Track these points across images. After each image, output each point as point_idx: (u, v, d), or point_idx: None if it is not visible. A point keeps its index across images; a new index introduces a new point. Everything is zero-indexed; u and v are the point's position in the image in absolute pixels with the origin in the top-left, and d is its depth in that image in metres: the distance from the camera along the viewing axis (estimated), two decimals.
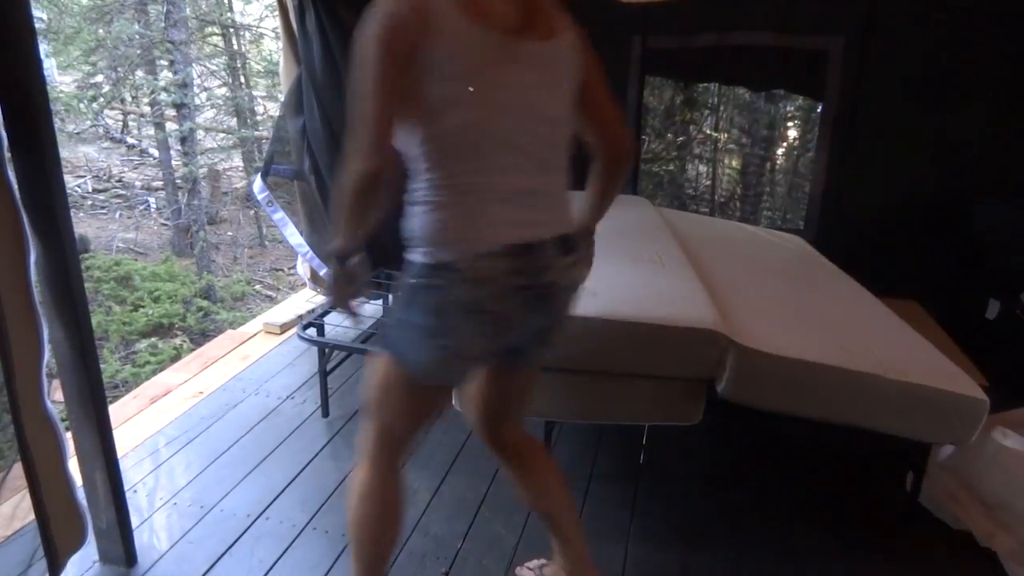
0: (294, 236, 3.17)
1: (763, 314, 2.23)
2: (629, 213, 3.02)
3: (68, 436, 1.67)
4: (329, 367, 2.65)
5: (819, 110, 3.71)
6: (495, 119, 1.30)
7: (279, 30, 3.04)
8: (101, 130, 11.13)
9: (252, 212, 10.25)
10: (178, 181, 9.30)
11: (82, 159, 10.87)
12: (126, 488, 1.88)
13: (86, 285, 1.69)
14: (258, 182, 3.11)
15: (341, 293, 1.38)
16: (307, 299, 3.83)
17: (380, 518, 1.52)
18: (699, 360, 1.93)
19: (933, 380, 1.90)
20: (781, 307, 2.35)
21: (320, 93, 2.93)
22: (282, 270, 9.53)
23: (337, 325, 2.99)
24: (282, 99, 3.11)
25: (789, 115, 5.78)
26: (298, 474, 2.36)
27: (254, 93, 10.57)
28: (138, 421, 2.66)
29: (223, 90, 10.34)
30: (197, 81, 9.57)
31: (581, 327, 1.83)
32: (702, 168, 5.93)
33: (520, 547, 2.04)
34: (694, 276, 2.35)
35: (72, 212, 1.63)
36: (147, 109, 10.44)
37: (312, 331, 2.70)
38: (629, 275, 2.30)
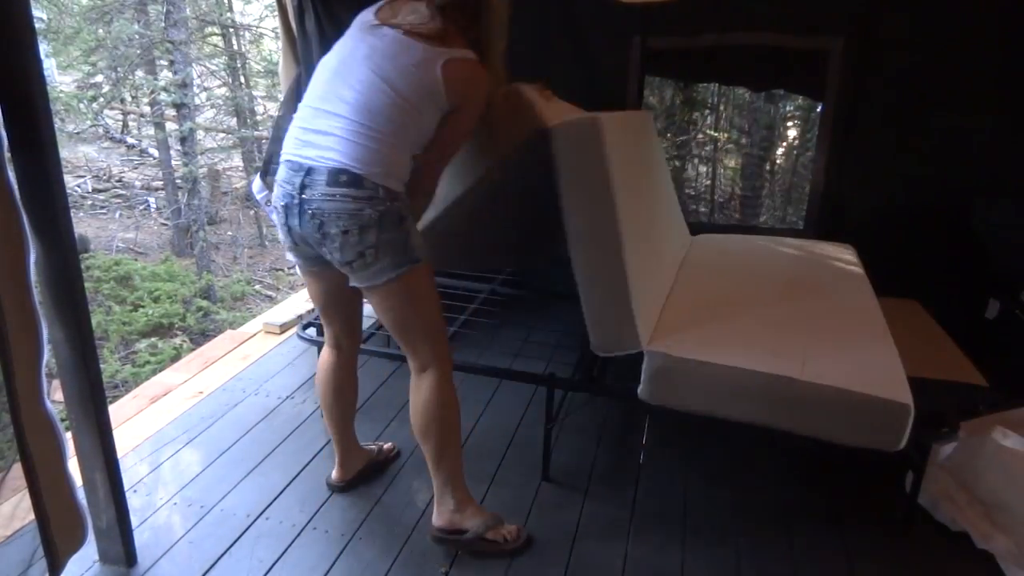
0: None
1: (708, 320, 2.27)
2: None
3: (68, 436, 1.67)
4: None
5: (819, 110, 3.71)
6: None
7: (278, 30, 3.04)
8: (101, 130, 11.14)
9: (252, 212, 10.26)
10: (178, 181, 9.31)
11: (82, 159, 10.88)
12: (126, 488, 1.88)
13: (86, 285, 1.70)
14: (257, 181, 3.11)
15: None
16: (306, 299, 3.83)
17: (458, 417, 1.95)
18: None
19: (853, 384, 1.88)
20: (736, 315, 2.36)
21: None
22: (282, 270, 9.54)
23: None
24: (281, 99, 3.10)
25: (789, 115, 5.78)
26: (298, 474, 2.36)
27: (254, 93, 10.59)
28: (138, 421, 2.66)
29: (223, 90, 10.36)
30: (197, 81, 9.59)
31: None
32: (702, 168, 5.93)
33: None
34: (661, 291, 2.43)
35: (72, 212, 1.63)
36: (147, 109, 10.46)
37: (312, 331, 2.71)
38: None
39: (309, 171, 1.70)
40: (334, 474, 2.28)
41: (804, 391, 1.89)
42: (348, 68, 1.79)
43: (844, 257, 3.06)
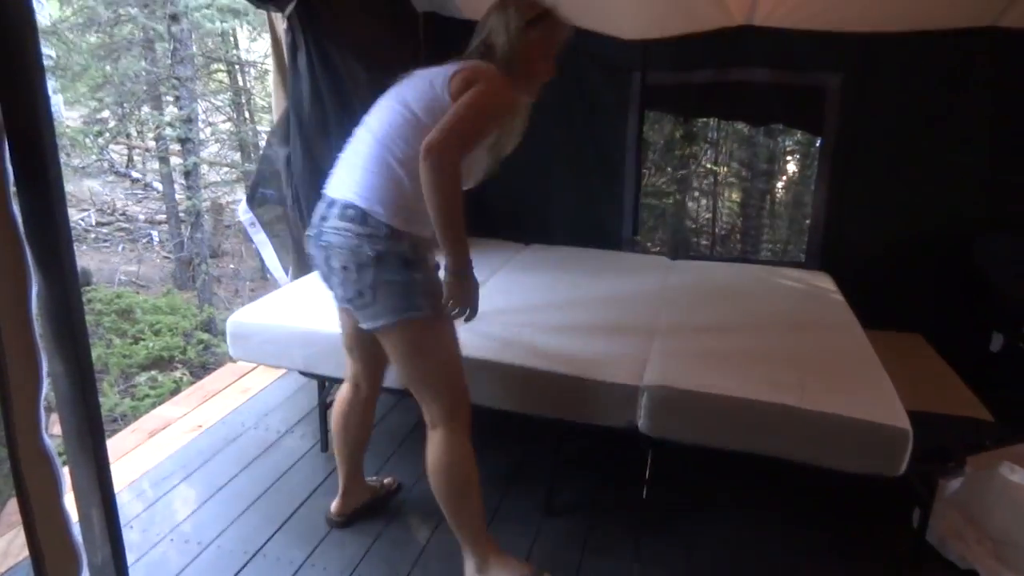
0: (271, 259, 3.21)
1: (700, 352, 2.29)
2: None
3: (65, 471, 1.65)
4: (328, 400, 2.63)
5: (818, 144, 3.74)
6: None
7: (272, 64, 3.12)
8: (106, 164, 11.23)
9: (254, 245, 10.28)
10: (181, 214, 9.36)
11: (86, 193, 10.96)
12: (123, 523, 1.86)
13: (87, 318, 1.69)
14: (243, 206, 3.16)
15: (473, 299, 1.74)
16: None
17: (472, 473, 1.88)
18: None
19: (852, 411, 1.88)
20: (729, 346, 2.37)
21: (305, 127, 3.04)
22: None
23: None
24: (270, 129, 3.19)
25: (788, 149, 5.83)
26: (296, 510, 2.33)
27: (258, 128, 10.70)
28: (136, 455, 2.64)
29: (227, 125, 10.47)
30: (202, 116, 9.69)
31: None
32: (703, 201, 5.96)
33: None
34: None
35: (75, 245, 1.64)
36: (152, 144, 10.56)
37: None
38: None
39: (331, 203, 1.74)
40: (333, 506, 2.25)
41: (805, 419, 1.90)
42: (377, 104, 1.84)
43: (821, 285, 3.09)
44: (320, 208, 1.78)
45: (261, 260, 3.25)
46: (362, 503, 2.28)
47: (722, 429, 2.00)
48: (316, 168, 3.05)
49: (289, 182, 3.07)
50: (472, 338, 2.29)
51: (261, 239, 3.20)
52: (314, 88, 2.99)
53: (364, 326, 1.77)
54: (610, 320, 2.60)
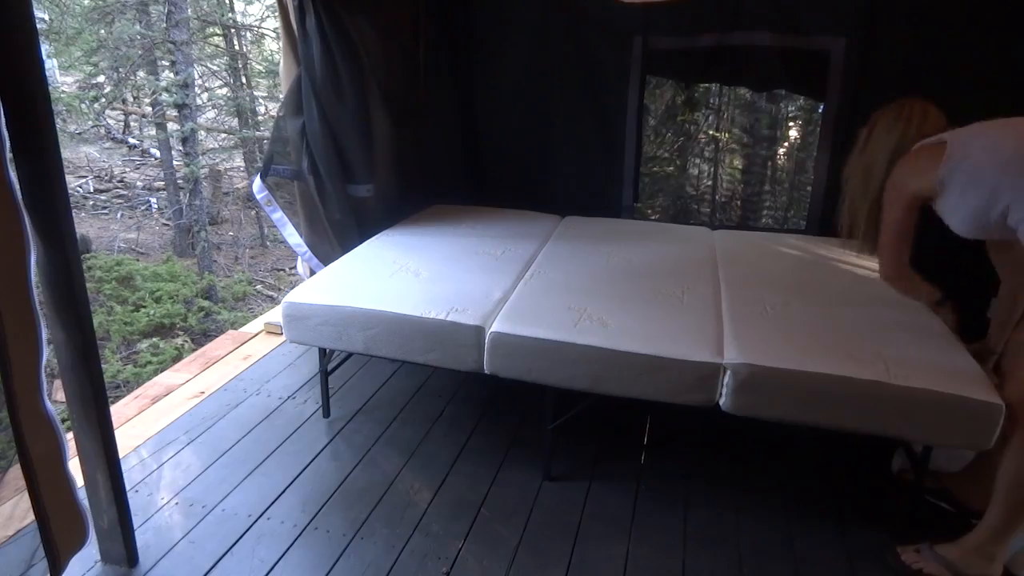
0: (293, 236, 3.18)
1: (772, 327, 2.26)
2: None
3: (69, 436, 1.67)
4: (330, 367, 2.65)
5: (820, 110, 3.70)
6: None
7: (279, 30, 3.04)
8: (103, 130, 11.15)
9: (253, 212, 10.26)
10: (179, 181, 9.32)
11: (84, 159, 10.90)
12: (127, 488, 1.89)
13: (87, 285, 1.70)
14: (257, 182, 3.12)
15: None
16: None
17: None
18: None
19: (942, 385, 1.89)
20: (795, 320, 2.34)
21: (319, 94, 2.94)
22: (283, 270, 9.55)
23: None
24: (281, 99, 3.11)
25: (791, 115, 5.77)
26: (299, 474, 2.36)
27: (255, 93, 10.60)
28: (139, 421, 2.67)
29: (224, 90, 10.36)
30: (198, 81, 9.59)
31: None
32: (703, 168, 5.93)
33: (521, 547, 2.04)
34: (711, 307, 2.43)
35: (74, 212, 1.63)
36: (148, 109, 10.47)
37: None
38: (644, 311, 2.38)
39: None
40: None
41: (895, 395, 1.90)
42: None
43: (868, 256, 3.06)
44: None
45: (259, 227, 3.23)
46: None
47: (807, 406, 1.99)
48: (332, 134, 3.00)
49: (306, 152, 3.01)
50: (542, 316, 2.29)
51: (279, 218, 3.17)
52: (326, 50, 2.89)
53: None
54: (671, 294, 2.53)
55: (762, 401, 2.02)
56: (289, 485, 2.30)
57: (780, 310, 2.38)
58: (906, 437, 1.94)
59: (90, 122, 10.38)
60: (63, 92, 9.05)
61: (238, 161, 11.02)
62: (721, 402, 2.06)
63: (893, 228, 2.08)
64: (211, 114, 10.55)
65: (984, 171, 1.85)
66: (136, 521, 2.00)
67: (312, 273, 3.28)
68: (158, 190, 10.53)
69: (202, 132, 9.83)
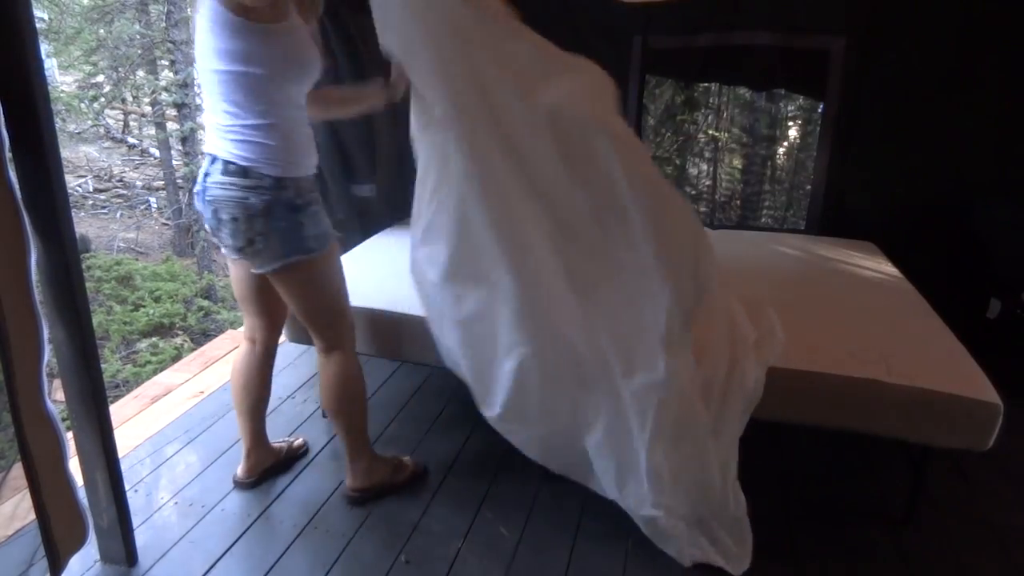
0: None
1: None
2: None
3: (69, 436, 1.67)
4: None
5: (820, 110, 3.70)
6: None
7: None
8: (102, 130, 11.13)
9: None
10: (179, 181, 9.31)
11: (83, 159, 10.88)
12: (127, 488, 1.89)
13: (87, 285, 1.70)
14: None
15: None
16: None
17: (364, 389, 2.13)
18: None
19: (942, 384, 1.89)
20: (794, 320, 2.33)
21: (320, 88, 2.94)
22: None
23: None
24: None
25: (790, 115, 5.78)
26: (298, 474, 2.36)
27: None
28: (139, 421, 2.67)
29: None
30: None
31: None
32: (703, 167, 5.93)
33: (521, 547, 2.04)
34: None
35: (73, 212, 1.64)
36: (148, 109, 10.45)
37: None
38: None
39: (213, 160, 1.79)
40: (239, 470, 2.29)
41: (895, 394, 1.90)
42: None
43: (869, 254, 3.07)
44: (204, 165, 1.83)
45: None
46: (269, 464, 2.32)
47: (808, 405, 2.00)
48: (334, 133, 3.00)
49: None
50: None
51: None
52: (326, 49, 2.90)
53: (258, 270, 1.89)
54: None
55: (761, 401, 2.01)
56: (288, 485, 2.30)
57: (779, 310, 2.38)
58: (905, 436, 1.94)
59: (89, 122, 10.36)
60: (62, 92, 9.04)
61: None
62: None
63: None
64: None
65: None
66: (135, 521, 1.99)
67: None
68: (157, 190, 10.52)
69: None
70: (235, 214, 1.77)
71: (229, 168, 1.75)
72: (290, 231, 1.81)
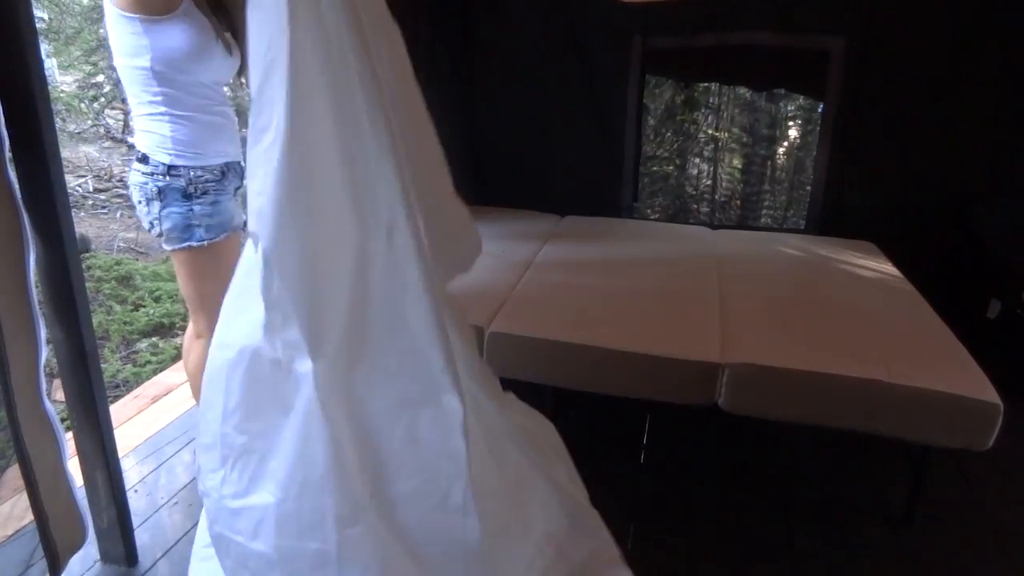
0: None
1: (772, 326, 2.27)
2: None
3: (69, 436, 1.67)
4: None
5: (820, 109, 3.70)
6: None
7: None
8: (102, 130, 11.12)
9: None
10: None
11: (83, 159, 10.87)
12: (127, 488, 1.89)
13: (87, 285, 1.70)
14: None
15: None
16: None
17: None
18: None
19: (942, 384, 1.89)
20: (794, 319, 2.34)
21: None
22: None
23: None
24: None
25: (790, 114, 5.78)
26: None
27: None
28: (139, 421, 2.66)
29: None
30: None
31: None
32: (703, 167, 5.93)
33: None
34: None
35: (73, 212, 1.64)
36: None
37: None
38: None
39: (131, 147, 1.86)
40: None
41: (895, 394, 1.90)
42: None
43: (870, 254, 3.08)
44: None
45: None
46: None
47: (808, 405, 1.99)
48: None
49: None
50: (542, 315, 2.29)
51: None
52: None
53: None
54: (670, 293, 2.54)
55: (761, 400, 2.02)
56: None
57: (779, 309, 2.38)
58: (904, 436, 1.94)
59: (89, 121, 10.36)
60: (62, 91, 9.04)
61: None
62: (720, 401, 2.06)
63: None
64: None
65: None
66: (135, 521, 1.99)
67: None
68: None
69: None
70: (139, 198, 1.90)
71: (137, 155, 1.89)
72: (180, 217, 1.89)
